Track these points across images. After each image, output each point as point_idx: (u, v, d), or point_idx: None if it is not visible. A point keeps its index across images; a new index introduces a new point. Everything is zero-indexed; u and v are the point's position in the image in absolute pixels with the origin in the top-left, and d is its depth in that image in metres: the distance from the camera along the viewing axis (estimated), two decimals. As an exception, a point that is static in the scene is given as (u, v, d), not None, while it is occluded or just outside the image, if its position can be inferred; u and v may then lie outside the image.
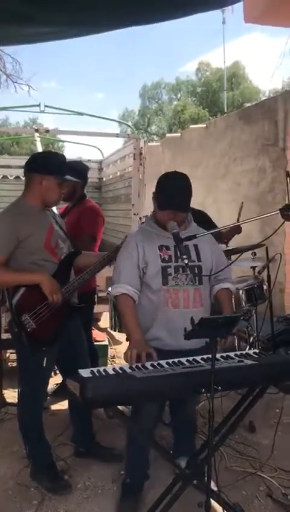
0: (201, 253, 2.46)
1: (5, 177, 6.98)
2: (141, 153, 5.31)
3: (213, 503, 2.13)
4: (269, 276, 3.97)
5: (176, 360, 2.13)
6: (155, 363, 2.12)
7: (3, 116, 35.36)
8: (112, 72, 50.06)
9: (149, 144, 9.72)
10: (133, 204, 5.25)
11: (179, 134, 8.49)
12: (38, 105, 5.03)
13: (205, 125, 7.67)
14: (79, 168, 3.60)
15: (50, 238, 2.60)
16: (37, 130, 5.16)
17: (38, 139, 6.47)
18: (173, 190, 2.37)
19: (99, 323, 5.48)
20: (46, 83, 51.67)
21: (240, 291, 3.82)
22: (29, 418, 2.66)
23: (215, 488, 2.42)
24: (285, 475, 2.72)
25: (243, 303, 3.83)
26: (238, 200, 6.27)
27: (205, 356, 2.17)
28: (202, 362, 2.08)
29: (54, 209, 3.04)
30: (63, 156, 2.77)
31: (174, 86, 36.15)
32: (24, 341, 2.48)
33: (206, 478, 1.92)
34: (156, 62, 51.63)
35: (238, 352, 2.25)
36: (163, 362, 2.12)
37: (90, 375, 1.93)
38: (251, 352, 2.28)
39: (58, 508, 2.44)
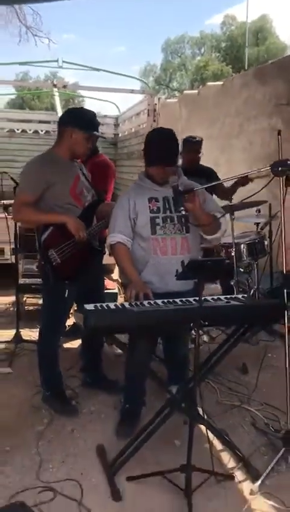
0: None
1: (24, 131, 7.13)
2: (155, 110, 5.41)
3: (201, 427, 2.44)
4: (270, 231, 4.18)
5: (171, 300, 2.38)
6: (152, 302, 2.38)
7: (24, 69, 35.04)
8: (135, 25, 48.73)
9: (167, 100, 9.71)
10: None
11: (196, 91, 8.45)
12: (57, 61, 5.14)
13: (221, 83, 7.65)
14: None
15: (76, 186, 2.84)
16: (55, 85, 5.28)
17: (56, 93, 6.60)
18: (160, 146, 2.57)
19: (112, 274, 5.74)
20: (66, 34, 50.65)
21: (242, 246, 4.04)
22: (48, 347, 2.98)
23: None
24: (270, 409, 3.00)
25: (245, 257, 4.05)
26: (251, 160, 6.39)
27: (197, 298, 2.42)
28: (193, 302, 2.33)
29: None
30: (93, 113, 2.91)
31: (198, 40, 35.07)
32: (49, 274, 2.75)
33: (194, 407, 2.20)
34: (181, 14, 49.99)
35: (228, 296, 2.49)
36: (159, 301, 2.37)
37: (93, 308, 2.21)
38: (239, 296, 2.52)
39: (66, 426, 2.78)
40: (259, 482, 2.32)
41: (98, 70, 5.70)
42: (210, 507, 2.18)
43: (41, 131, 6.94)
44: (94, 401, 3.07)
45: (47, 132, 6.86)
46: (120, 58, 47.88)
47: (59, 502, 2.18)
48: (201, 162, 4.33)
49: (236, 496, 2.26)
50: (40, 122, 7.04)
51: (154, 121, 5.43)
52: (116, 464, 2.36)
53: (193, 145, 4.25)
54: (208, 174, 4.20)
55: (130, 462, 2.34)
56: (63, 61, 5.17)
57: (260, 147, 6.25)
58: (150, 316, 2.17)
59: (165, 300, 2.35)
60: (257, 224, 4.28)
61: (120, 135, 7.41)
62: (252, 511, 2.17)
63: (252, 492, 2.27)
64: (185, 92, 8.76)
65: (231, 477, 2.37)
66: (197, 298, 2.39)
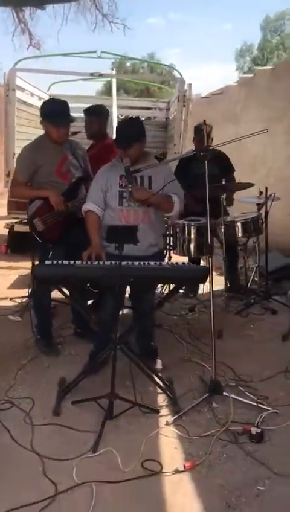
0: (153, 182, 3.12)
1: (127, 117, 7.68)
2: (185, 95, 5.76)
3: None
4: (266, 212, 4.43)
5: (117, 262, 2.86)
6: (101, 262, 2.89)
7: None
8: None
9: (228, 84, 9.87)
10: (174, 144, 5.82)
11: (252, 75, 8.56)
12: (96, 51, 5.69)
13: (272, 67, 7.72)
14: (93, 110, 4.29)
15: (62, 166, 3.43)
16: (92, 74, 5.84)
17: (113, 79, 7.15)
18: (117, 132, 3.04)
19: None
20: (173, 13, 51.10)
21: (237, 223, 4.36)
22: (39, 299, 3.61)
23: (160, 367, 3.25)
24: (223, 367, 3.37)
25: (240, 234, 4.36)
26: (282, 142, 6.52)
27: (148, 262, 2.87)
28: (135, 263, 2.78)
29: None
30: (59, 104, 3.46)
31: (299, 17, 33.55)
32: (36, 238, 3.39)
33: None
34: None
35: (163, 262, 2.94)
36: (107, 262, 2.88)
37: (46, 264, 2.79)
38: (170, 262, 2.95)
39: (44, 363, 3.41)
40: (175, 416, 2.77)
41: (132, 59, 6.19)
42: (126, 428, 2.67)
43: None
44: (76, 347, 3.66)
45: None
46: (227, 37, 47.46)
47: (13, 411, 2.81)
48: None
49: (152, 424, 2.72)
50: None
51: (184, 106, 5.78)
52: (65, 390, 2.94)
53: (200, 132, 4.61)
54: (219, 157, 4.59)
55: (82, 391, 2.87)
56: (102, 52, 5.72)
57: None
58: (83, 271, 2.70)
59: (113, 262, 2.83)
60: (258, 205, 4.55)
61: (170, 118, 7.80)
62: (158, 434, 2.62)
63: (167, 423, 2.73)
64: (242, 76, 8.90)
65: (156, 411, 2.84)
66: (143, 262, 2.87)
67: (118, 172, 3.15)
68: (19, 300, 4.55)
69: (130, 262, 2.82)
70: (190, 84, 5.84)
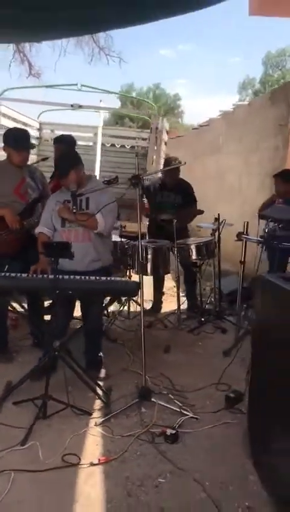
0: (90, 203, 3.45)
1: (113, 145, 8.14)
2: (157, 127, 6.16)
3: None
4: (219, 237, 4.75)
5: (61, 276, 3.16)
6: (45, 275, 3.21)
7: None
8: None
9: (213, 117, 10.33)
10: (145, 171, 6.17)
11: (232, 109, 9.01)
12: (76, 84, 6.13)
13: (248, 103, 8.16)
14: (58, 138, 4.68)
15: (20, 187, 3.77)
16: (72, 105, 6.25)
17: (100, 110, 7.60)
18: (55, 164, 3.40)
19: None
20: (182, 45, 52.85)
21: (191, 246, 4.67)
22: None
23: (103, 375, 3.51)
24: (162, 378, 3.62)
25: (193, 256, 4.67)
26: (256, 173, 6.90)
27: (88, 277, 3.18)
28: (77, 277, 3.10)
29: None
30: (20, 132, 3.84)
31: (299, 54, 34.64)
32: None
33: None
34: (284, 27, 49.52)
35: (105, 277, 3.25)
36: (50, 275, 3.19)
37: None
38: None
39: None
40: (104, 418, 3.02)
41: (109, 93, 6.59)
42: (57, 427, 2.91)
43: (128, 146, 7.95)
44: (30, 356, 3.88)
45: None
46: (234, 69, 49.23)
47: None
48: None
49: (83, 424, 2.97)
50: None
51: (156, 137, 6.18)
52: (8, 391, 3.20)
53: (168, 165, 5.03)
54: (184, 189, 5.00)
55: (26, 394, 3.11)
56: (82, 85, 6.15)
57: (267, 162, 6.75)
58: (25, 282, 3.03)
59: (55, 276, 3.13)
60: (213, 230, 4.87)
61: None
62: (85, 433, 2.87)
63: (95, 424, 2.98)
64: (223, 110, 9.36)
65: (88, 413, 3.09)
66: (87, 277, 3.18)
67: (63, 197, 3.50)
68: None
69: (72, 277, 3.13)
70: (163, 118, 6.23)
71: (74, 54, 14.90)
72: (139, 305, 4.87)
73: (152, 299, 5.21)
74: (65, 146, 4.59)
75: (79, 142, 8.38)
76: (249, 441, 2.64)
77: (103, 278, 3.15)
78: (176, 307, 4.78)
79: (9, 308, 3.82)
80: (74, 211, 3.29)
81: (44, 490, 2.38)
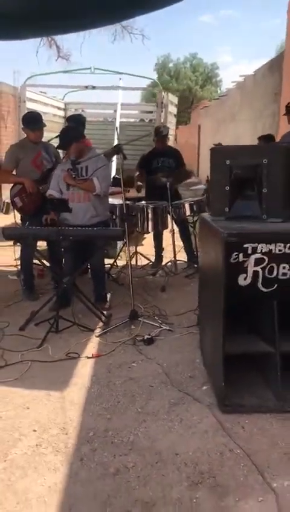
0: (89, 170, 4.34)
1: (142, 120, 9.00)
2: (162, 102, 6.93)
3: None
4: (208, 196, 5.55)
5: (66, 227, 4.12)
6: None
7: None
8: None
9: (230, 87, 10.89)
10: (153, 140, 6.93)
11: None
12: (90, 68, 6.98)
13: (253, 73, 8.74)
14: (68, 117, 5.57)
15: (36, 159, 4.72)
16: (86, 87, 7.12)
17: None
18: (59, 139, 4.29)
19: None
20: (224, 10, 52.21)
21: (185, 204, 5.51)
22: (23, 257, 4.90)
23: (106, 307, 4.47)
24: (154, 308, 4.54)
25: (187, 212, 5.51)
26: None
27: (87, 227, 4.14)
28: (68, 228, 4.06)
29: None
30: (34, 114, 4.79)
31: None
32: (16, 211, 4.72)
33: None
34: None
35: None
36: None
37: (12, 227, 4.09)
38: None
39: (25, 304, 4.70)
40: (102, 332, 3.99)
41: (120, 73, 7.37)
42: (66, 338, 3.90)
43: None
44: (51, 296, 4.93)
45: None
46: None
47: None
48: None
49: (86, 336, 3.94)
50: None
51: (161, 111, 6.96)
52: (31, 319, 4.22)
53: (160, 133, 5.85)
54: (174, 153, 5.83)
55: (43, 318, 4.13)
56: (95, 68, 6.98)
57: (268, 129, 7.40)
58: (34, 232, 4.01)
59: (59, 227, 4.09)
60: (204, 190, 5.68)
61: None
62: (86, 341, 3.84)
63: (95, 336, 3.95)
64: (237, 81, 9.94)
65: (91, 330, 4.06)
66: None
67: (67, 167, 4.41)
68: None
69: (72, 228, 4.09)
70: (167, 93, 6.99)
71: (97, 34, 15.53)
72: (146, 258, 5.84)
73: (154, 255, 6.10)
74: (75, 124, 5.48)
75: (100, 119, 9.30)
76: (199, 340, 3.54)
77: (96, 228, 4.08)
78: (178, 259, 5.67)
79: (37, 262, 4.83)
80: (74, 176, 4.21)
81: (50, 372, 3.37)
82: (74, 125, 5.42)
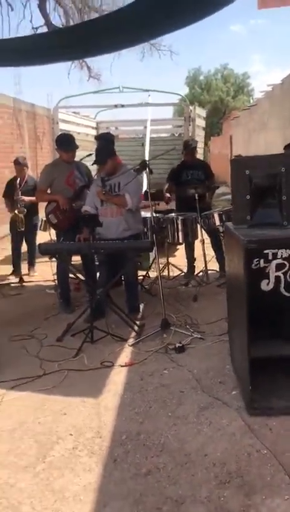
0: (121, 186, 4.52)
1: (172, 134, 9.28)
2: (190, 116, 7.10)
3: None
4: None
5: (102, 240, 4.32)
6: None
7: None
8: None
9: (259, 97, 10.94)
10: (181, 153, 7.09)
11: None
12: (118, 87, 7.23)
13: (281, 82, 8.78)
14: (98, 136, 5.79)
15: (69, 178, 4.96)
16: (116, 106, 7.36)
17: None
18: (95, 154, 4.49)
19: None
20: (253, 20, 52.41)
21: (214, 214, 5.61)
22: (60, 271, 5.11)
23: (139, 317, 4.61)
24: (186, 317, 4.65)
25: (217, 222, 5.61)
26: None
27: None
28: (99, 242, 4.24)
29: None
30: (65, 136, 5.03)
31: None
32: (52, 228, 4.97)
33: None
34: None
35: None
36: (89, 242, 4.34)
37: (48, 243, 4.31)
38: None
39: (62, 317, 4.90)
40: (135, 340, 4.13)
41: (148, 90, 7.57)
42: (100, 348, 4.05)
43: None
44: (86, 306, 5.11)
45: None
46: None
47: (32, 340, 4.32)
48: None
49: (119, 345, 4.09)
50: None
51: (189, 125, 7.11)
52: (68, 330, 4.40)
53: (188, 146, 6.00)
54: (202, 166, 5.97)
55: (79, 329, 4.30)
56: (123, 87, 7.23)
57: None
58: (68, 246, 4.20)
59: (90, 241, 4.28)
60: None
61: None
62: (119, 351, 3.99)
63: (128, 345, 4.09)
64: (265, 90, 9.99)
65: (124, 339, 4.20)
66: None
67: (99, 183, 4.61)
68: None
69: (102, 241, 4.28)
70: (195, 107, 7.14)
71: (127, 53, 15.90)
72: (178, 269, 5.97)
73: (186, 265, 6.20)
74: (104, 142, 5.69)
75: (131, 135, 9.54)
76: (229, 347, 3.62)
77: (126, 241, 4.24)
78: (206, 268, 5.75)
79: (73, 276, 5.04)
80: (103, 192, 4.40)
81: (86, 380, 3.52)
82: (104, 143, 5.64)
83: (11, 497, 2.31)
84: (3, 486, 2.39)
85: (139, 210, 4.88)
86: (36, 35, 5.04)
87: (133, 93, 7.76)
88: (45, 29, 10.63)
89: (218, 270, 6.07)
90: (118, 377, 3.51)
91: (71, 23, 11.53)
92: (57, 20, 11.03)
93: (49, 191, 5.01)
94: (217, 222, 5.61)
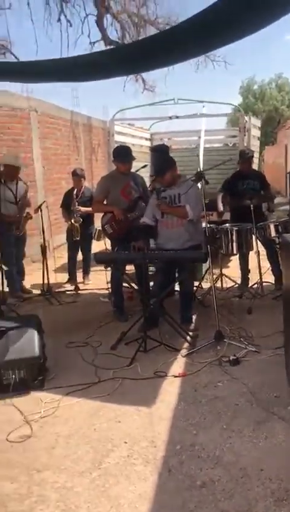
0: (181, 198, 4.55)
1: (226, 144, 9.31)
2: (244, 127, 7.05)
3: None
4: (290, 216, 5.53)
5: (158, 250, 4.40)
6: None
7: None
8: None
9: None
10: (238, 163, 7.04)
11: None
12: (173, 99, 7.30)
13: None
14: (153, 148, 5.86)
15: (125, 189, 5.06)
16: (170, 117, 7.42)
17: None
18: (154, 166, 4.55)
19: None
20: None
21: (270, 225, 5.53)
22: (114, 280, 5.20)
23: (192, 327, 4.62)
24: (240, 329, 4.60)
25: (273, 233, 5.52)
26: None
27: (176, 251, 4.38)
28: (153, 251, 4.30)
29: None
30: (124, 148, 5.14)
31: None
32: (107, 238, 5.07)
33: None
34: None
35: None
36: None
37: (103, 252, 4.41)
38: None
39: (115, 325, 4.97)
40: (189, 351, 4.13)
41: (202, 102, 7.57)
42: (153, 357, 4.08)
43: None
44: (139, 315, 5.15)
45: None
46: None
47: (87, 348, 4.41)
48: None
49: (172, 355, 4.10)
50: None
51: (244, 135, 7.07)
52: (121, 338, 4.46)
53: (244, 156, 5.96)
54: (258, 176, 5.92)
55: (133, 338, 4.36)
56: (178, 99, 7.28)
57: None
58: (122, 256, 4.28)
59: (150, 251, 4.35)
60: (290, 211, 5.66)
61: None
62: (173, 361, 4.00)
63: (181, 355, 4.10)
64: None
65: (177, 349, 4.21)
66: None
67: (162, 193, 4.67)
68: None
69: (156, 251, 4.34)
70: (250, 117, 7.09)
71: (180, 67, 16.05)
72: (232, 280, 5.92)
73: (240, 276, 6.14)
74: (160, 154, 5.78)
75: (184, 146, 9.58)
76: (285, 361, 3.55)
77: (179, 251, 4.27)
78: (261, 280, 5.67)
79: (126, 285, 5.11)
80: (159, 203, 4.46)
81: (140, 389, 3.55)
82: (161, 155, 5.72)
83: (68, 501, 2.37)
84: (61, 490, 2.45)
85: (200, 221, 4.88)
86: (96, 53, 5.20)
87: (188, 104, 7.77)
88: (101, 44, 10.93)
89: (273, 282, 5.96)
90: (171, 387, 3.53)
91: (127, 37, 11.77)
92: (114, 35, 11.28)
93: (105, 202, 5.11)
94: (273, 233, 5.51)
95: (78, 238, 6.40)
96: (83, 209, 6.35)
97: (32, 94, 8.78)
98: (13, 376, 3.47)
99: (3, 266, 5.23)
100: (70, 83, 9.36)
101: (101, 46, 10.83)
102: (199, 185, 4.35)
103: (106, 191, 5.04)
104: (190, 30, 3.83)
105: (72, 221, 6.36)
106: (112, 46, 10.80)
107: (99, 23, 10.81)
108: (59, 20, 9.59)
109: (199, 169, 4.47)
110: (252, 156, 6.00)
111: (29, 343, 3.58)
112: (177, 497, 2.35)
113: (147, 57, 4.58)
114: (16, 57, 12.92)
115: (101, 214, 5.17)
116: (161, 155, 5.61)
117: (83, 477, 2.54)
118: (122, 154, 5.03)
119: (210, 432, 2.86)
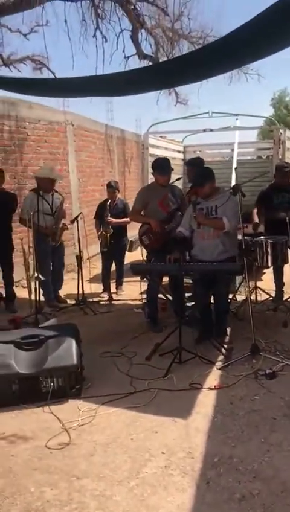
0: (218, 210, 4.57)
1: (259, 157, 9.32)
2: (279, 139, 7.04)
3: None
4: None
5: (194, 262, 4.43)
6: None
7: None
8: None
9: None
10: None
11: None
12: (208, 112, 7.35)
13: None
14: (189, 161, 5.91)
15: (163, 201, 5.12)
16: (204, 130, 7.47)
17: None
18: (194, 177, 4.59)
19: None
20: None
21: None
22: (150, 292, 5.25)
23: (226, 340, 4.62)
24: (275, 343, 4.57)
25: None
26: None
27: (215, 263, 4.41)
28: (189, 263, 4.33)
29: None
30: (162, 160, 5.21)
31: None
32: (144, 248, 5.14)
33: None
34: None
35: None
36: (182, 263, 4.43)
37: (139, 263, 4.47)
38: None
39: (150, 336, 5.00)
40: (222, 365, 4.12)
41: (236, 115, 7.60)
42: (189, 369, 4.09)
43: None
44: (173, 328, 5.17)
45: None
46: None
47: (122, 358, 4.44)
48: None
49: (207, 368, 4.10)
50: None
51: (279, 147, 7.05)
52: (156, 349, 4.49)
53: (281, 170, 5.95)
54: None
55: (168, 349, 4.37)
56: (213, 112, 7.33)
57: None
58: (157, 268, 4.34)
59: (186, 263, 4.39)
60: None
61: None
62: (208, 373, 4.00)
63: (217, 368, 4.09)
64: None
65: (212, 362, 4.21)
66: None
67: (199, 204, 4.71)
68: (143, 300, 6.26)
69: (192, 263, 4.37)
70: (285, 130, 7.08)
71: (213, 80, 16.15)
72: (266, 293, 5.87)
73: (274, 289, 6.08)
74: (194, 167, 5.81)
75: (217, 158, 9.61)
76: None
77: (215, 263, 4.28)
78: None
79: (161, 296, 5.16)
80: (194, 215, 4.49)
81: (175, 400, 3.57)
82: (197, 168, 5.75)
83: (107, 509, 2.40)
84: (100, 498, 2.49)
85: (237, 233, 4.89)
86: (133, 70, 5.33)
87: (221, 117, 7.80)
88: (136, 58, 11.06)
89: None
90: (207, 400, 3.53)
91: (161, 51, 11.91)
92: (148, 49, 11.42)
93: (143, 213, 5.18)
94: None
95: (105, 249, 6.49)
96: (114, 220, 6.44)
97: (69, 108, 8.97)
98: (52, 384, 3.54)
99: (40, 276, 5.33)
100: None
101: (135, 60, 10.98)
102: (237, 197, 4.36)
103: (145, 201, 5.12)
104: (224, 47, 3.90)
105: (102, 231, 6.46)
106: (146, 60, 10.93)
107: (134, 38, 10.98)
108: (94, 35, 9.75)
109: (236, 182, 4.49)
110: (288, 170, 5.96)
111: (68, 351, 3.64)
112: (216, 510, 2.35)
113: (183, 72, 4.67)
114: (52, 73, 13.26)
115: (135, 226, 5.24)
116: (199, 168, 5.63)
117: (122, 486, 2.57)
118: (161, 166, 5.10)
119: (248, 445, 2.85)
